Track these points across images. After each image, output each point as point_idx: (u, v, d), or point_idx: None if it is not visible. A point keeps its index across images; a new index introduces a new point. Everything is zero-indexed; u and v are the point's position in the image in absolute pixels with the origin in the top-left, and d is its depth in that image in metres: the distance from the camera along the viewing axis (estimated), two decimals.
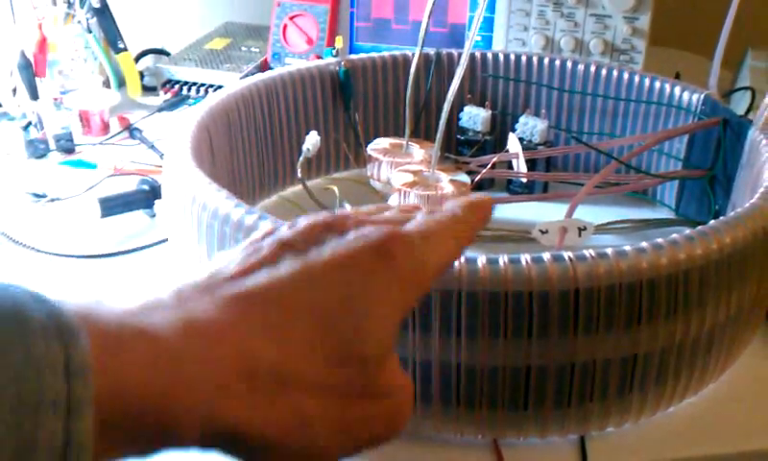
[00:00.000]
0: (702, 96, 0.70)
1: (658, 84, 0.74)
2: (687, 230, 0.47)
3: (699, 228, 0.47)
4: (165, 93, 1.00)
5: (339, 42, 0.81)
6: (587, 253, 0.44)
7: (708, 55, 0.71)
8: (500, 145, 0.79)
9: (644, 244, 0.45)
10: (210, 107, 0.66)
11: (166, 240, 0.67)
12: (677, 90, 0.72)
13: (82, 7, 0.96)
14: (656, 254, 0.44)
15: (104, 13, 0.97)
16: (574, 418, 0.46)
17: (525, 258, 0.43)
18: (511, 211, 0.73)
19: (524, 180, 0.76)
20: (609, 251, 0.44)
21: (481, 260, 0.43)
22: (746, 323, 0.51)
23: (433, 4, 0.69)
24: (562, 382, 0.44)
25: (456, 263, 0.43)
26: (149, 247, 0.68)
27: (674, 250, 0.44)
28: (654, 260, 0.44)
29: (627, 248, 0.44)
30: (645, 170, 0.76)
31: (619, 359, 0.44)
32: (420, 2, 1.01)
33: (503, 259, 0.43)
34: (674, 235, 0.46)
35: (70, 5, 0.99)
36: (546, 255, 0.43)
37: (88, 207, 0.71)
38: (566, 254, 0.43)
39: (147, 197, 0.72)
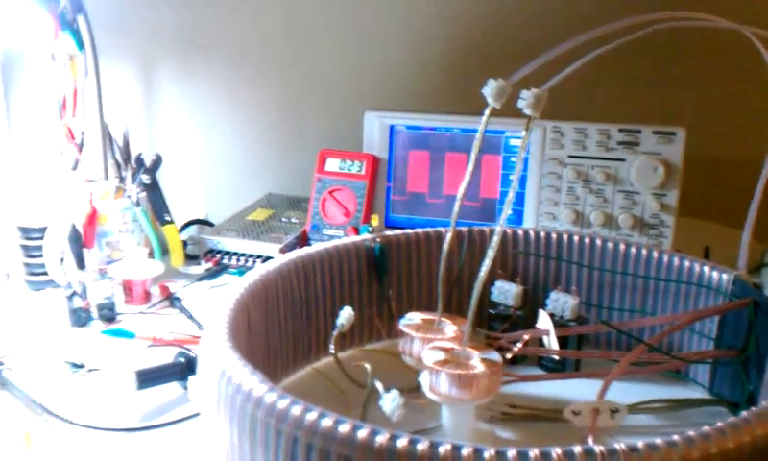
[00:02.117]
0: (731, 277, 0.71)
1: (687, 264, 0.75)
2: (719, 422, 0.46)
3: (730, 419, 0.46)
4: (207, 262, 1.03)
5: (375, 220, 0.84)
6: (617, 446, 0.43)
7: (738, 226, 0.72)
8: (531, 319, 0.79)
9: (675, 437, 0.44)
10: (250, 284, 0.68)
11: (198, 415, 0.68)
12: (706, 270, 0.73)
13: (133, 183, 1.02)
14: (687, 448, 0.44)
15: (153, 189, 1.02)
16: None
17: (556, 451, 0.43)
18: (543, 388, 0.73)
19: (556, 357, 0.76)
20: (640, 444, 0.44)
21: (511, 453, 0.43)
22: None
23: (466, 186, 0.71)
24: None
25: (486, 454, 0.43)
26: (181, 421, 0.69)
27: (706, 443, 0.44)
28: (686, 455, 0.43)
29: (658, 441, 0.44)
30: (677, 349, 0.76)
31: None
32: (454, 178, 1.05)
33: (533, 452, 0.43)
34: (705, 428, 0.45)
35: (122, 180, 1.05)
36: (577, 449, 0.43)
37: (125, 379, 0.72)
38: (597, 448, 0.43)
39: (182, 370, 0.73)
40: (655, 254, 0.77)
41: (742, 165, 0.93)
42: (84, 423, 0.68)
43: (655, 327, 0.77)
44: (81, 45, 1.06)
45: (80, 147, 1.06)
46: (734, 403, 0.69)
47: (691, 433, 0.45)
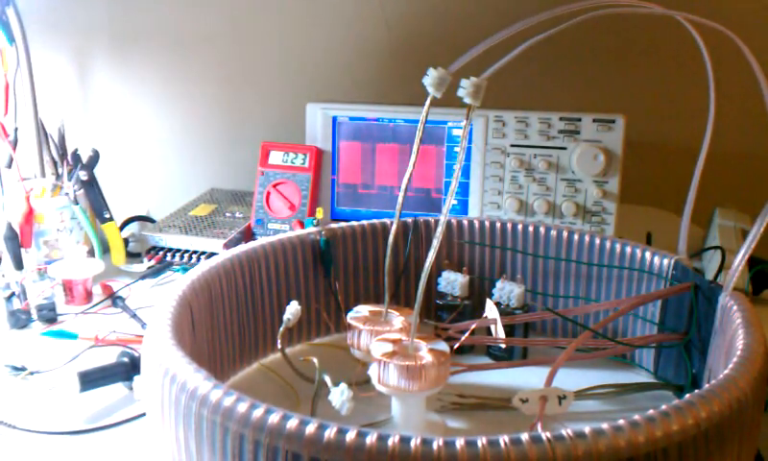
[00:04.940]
0: (672, 261, 0.72)
1: (629, 250, 0.76)
2: (663, 406, 0.47)
3: (674, 403, 0.47)
4: (149, 260, 1.01)
5: (320, 213, 0.83)
6: (564, 432, 0.44)
7: (678, 212, 0.74)
8: (479, 309, 0.80)
9: (621, 422, 0.45)
10: (192, 280, 0.67)
11: (144, 415, 0.66)
12: (647, 255, 0.75)
13: (70, 179, 0.99)
14: (633, 433, 0.44)
15: (91, 185, 0.99)
16: None
17: (504, 440, 0.43)
18: (492, 377, 0.74)
19: (504, 345, 0.76)
20: (587, 430, 0.44)
21: (459, 442, 0.43)
22: None
23: (410, 176, 0.71)
24: None
25: (434, 445, 0.43)
26: (127, 422, 0.67)
27: (651, 427, 0.45)
28: (632, 439, 0.44)
29: (605, 426, 0.44)
30: (622, 334, 0.77)
31: None
32: (399, 169, 1.05)
33: (481, 441, 0.43)
34: (650, 412, 0.46)
35: (59, 177, 1.02)
36: (525, 436, 0.43)
37: (68, 381, 0.70)
38: (545, 435, 0.43)
39: (126, 370, 0.71)
40: (597, 241, 0.78)
41: (681, 152, 0.95)
42: (27, 427, 0.66)
43: (599, 314, 0.78)
44: (11, 38, 1.03)
45: (14, 144, 1.03)
46: (679, 386, 0.70)
47: (637, 417, 0.45)
